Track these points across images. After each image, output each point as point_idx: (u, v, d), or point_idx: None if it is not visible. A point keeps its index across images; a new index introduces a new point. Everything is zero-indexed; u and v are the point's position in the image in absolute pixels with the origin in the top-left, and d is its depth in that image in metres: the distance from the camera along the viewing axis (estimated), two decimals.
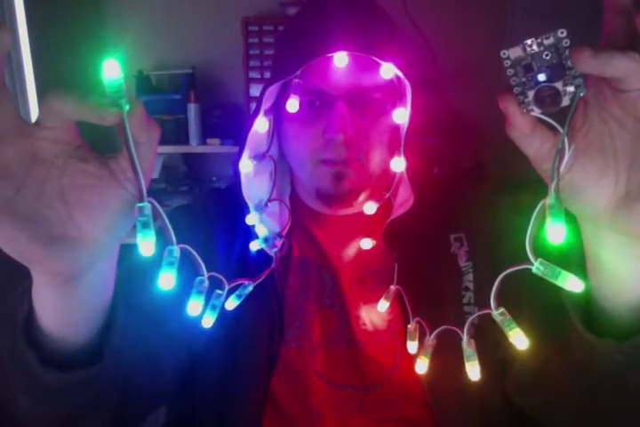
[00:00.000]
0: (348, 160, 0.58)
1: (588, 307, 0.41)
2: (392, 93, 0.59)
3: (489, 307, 0.37)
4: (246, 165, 0.61)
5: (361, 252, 0.63)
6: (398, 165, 0.57)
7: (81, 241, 0.34)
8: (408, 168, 0.57)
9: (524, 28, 1.84)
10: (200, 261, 0.38)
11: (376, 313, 0.61)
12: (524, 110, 0.32)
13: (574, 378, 0.46)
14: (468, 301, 0.61)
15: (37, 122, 0.31)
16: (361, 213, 0.62)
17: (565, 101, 0.32)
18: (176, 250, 0.34)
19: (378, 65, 0.53)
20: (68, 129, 0.32)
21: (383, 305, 0.57)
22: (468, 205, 0.65)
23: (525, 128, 0.32)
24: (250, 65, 1.87)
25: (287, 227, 0.65)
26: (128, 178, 0.34)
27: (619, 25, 0.30)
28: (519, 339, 0.35)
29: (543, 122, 0.33)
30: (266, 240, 0.61)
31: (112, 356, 0.43)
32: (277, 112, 0.63)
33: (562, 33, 0.31)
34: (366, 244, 0.61)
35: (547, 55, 0.31)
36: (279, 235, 0.63)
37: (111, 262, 0.39)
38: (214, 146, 1.85)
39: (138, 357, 0.49)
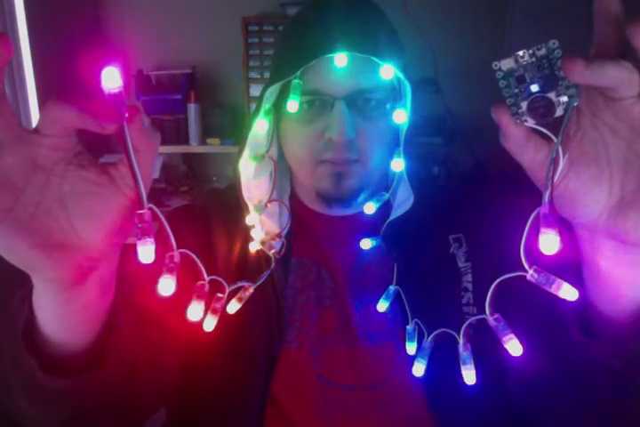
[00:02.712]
0: (347, 161, 0.58)
1: (584, 312, 0.41)
2: (392, 94, 0.59)
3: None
4: (246, 166, 0.61)
5: (361, 252, 0.63)
6: (398, 165, 0.58)
7: (81, 248, 0.34)
8: (408, 168, 0.57)
9: (523, 29, 1.84)
10: (201, 266, 0.38)
11: (376, 313, 0.62)
12: (518, 121, 0.32)
13: (572, 382, 0.46)
14: (466, 301, 0.61)
15: (37, 129, 0.31)
16: (361, 214, 0.62)
17: (559, 112, 0.32)
18: (176, 255, 0.34)
19: (378, 66, 0.54)
20: (68, 136, 0.32)
21: (382, 305, 0.57)
22: (468, 205, 0.65)
23: (519, 138, 0.33)
24: (250, 65, 1.87)
25: (287, 227, 0.65)
26: (128, 184, 0.34)
27: (610, 35, 0.30)
28: (513, 346, 0.35)
29: (537, 131, 0.33)
30: (262, 243, 0.61)
31: (113, 358, 0.43)
32: (277, 112, 0.63)
33: (553, 44, 0.31)
34: (366, 244, 0.61)
35: (539, 66, 0.32)
36: (278, 236, 0.63)
37: (112, 268, 0.39)
38: (214, 146, 1.85)
39: (139, 358, 0.49)
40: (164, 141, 1.79)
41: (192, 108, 1.81)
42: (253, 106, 0.61)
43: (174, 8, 1.92)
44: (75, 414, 0.44)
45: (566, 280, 0.32)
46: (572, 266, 0.40)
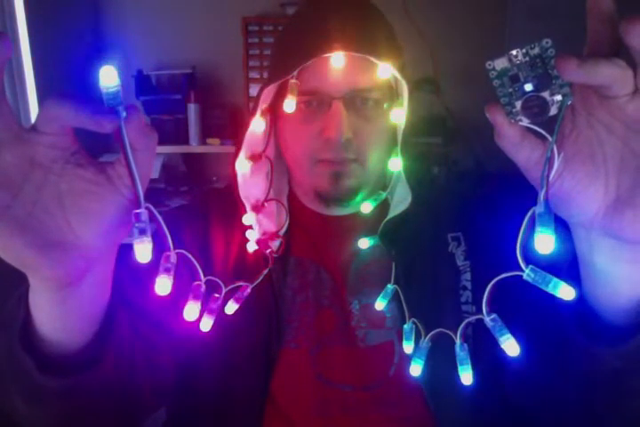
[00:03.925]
0: (345, 160, 0.58)
1: (582, 312, 0.41)
2: (389, 94, 0.59)
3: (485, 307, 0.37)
4: (243, 165, 0.61)
5: (359, 251, 0.63)
6: (396, 164, 0.58)
7: (78, 247, 0.34)
8: (405, 168, 0.57)
9: (523, 29, 1.84)
10: (197, 266, 0.38)
11: (374, 312, 0.62)
12: (512, 120, 0.32)
13: (572, 382, 0.46)
14: (465, 300, 0.61)
15: (35, 127, 0.31)
16: (359, 213, 0.62)
17: (553, 110, 0.32)
18: (173, 256, 0.34)
19: (375, 65, 0.54)
20: (66, 135, 0.32)
21: (380, 304, 0.57)
22: (466, 204, 0.65)
23: (514, 138, 0.33)
24: (250, 65, 1.88)
25: (284, 227, 0.65)
26: (125, 184, 0.34)
27: (603, 32, 0.30)
28: (510, 346, 0.35)
29: (532, 130, 0.33)
30: (259, 242, 0.61)
31: (111, 357, 0.43)
32: (275, 112, 0.63)
33: (547, 43, 0.31)
34: (364, 243, 0.61)
35: (532, 65, 0.31)
36: (276, 235, 0.63)
37: (108, 267, 0.39)
38: (214, 146, 1.86)
39: (136, 357, 0.49)
40: (164, 141, 1.79)
41: (192, 108, 1.81)
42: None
43: (174, 8, 1.92)
44: (72, 413, 0.44)
45: (564, 279, 0.32)
46: (569, 265, 0.40)
